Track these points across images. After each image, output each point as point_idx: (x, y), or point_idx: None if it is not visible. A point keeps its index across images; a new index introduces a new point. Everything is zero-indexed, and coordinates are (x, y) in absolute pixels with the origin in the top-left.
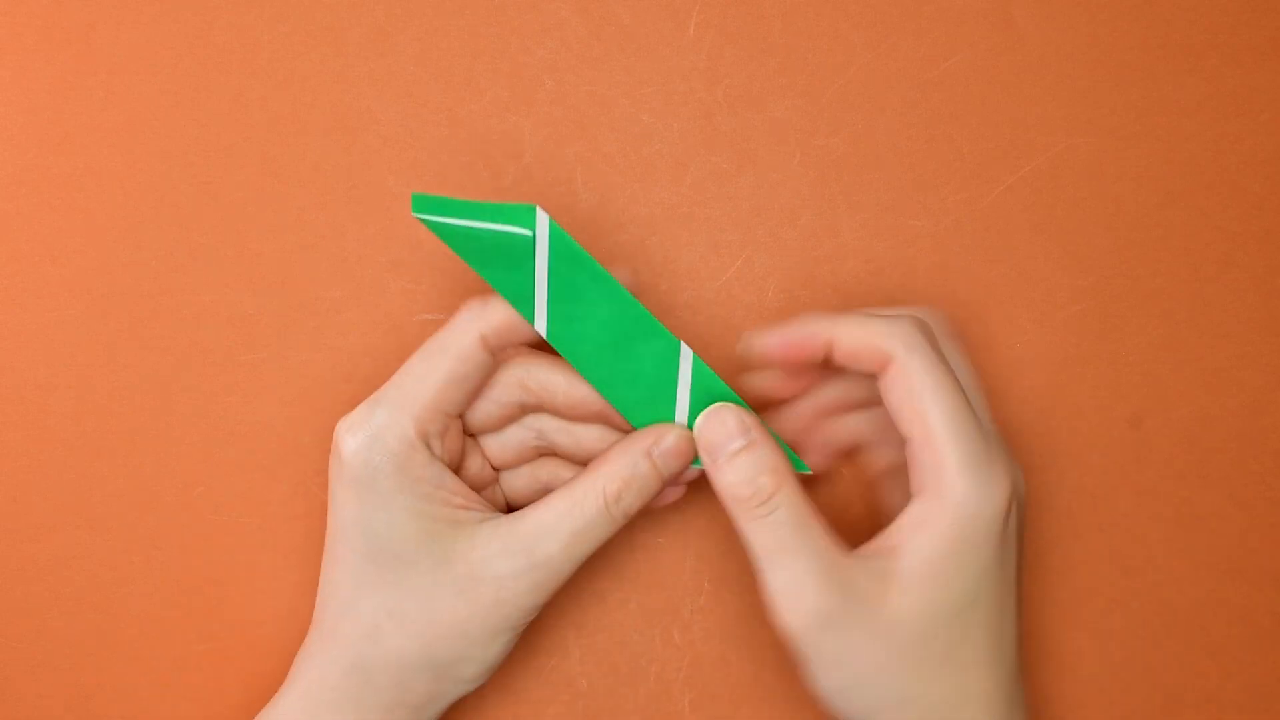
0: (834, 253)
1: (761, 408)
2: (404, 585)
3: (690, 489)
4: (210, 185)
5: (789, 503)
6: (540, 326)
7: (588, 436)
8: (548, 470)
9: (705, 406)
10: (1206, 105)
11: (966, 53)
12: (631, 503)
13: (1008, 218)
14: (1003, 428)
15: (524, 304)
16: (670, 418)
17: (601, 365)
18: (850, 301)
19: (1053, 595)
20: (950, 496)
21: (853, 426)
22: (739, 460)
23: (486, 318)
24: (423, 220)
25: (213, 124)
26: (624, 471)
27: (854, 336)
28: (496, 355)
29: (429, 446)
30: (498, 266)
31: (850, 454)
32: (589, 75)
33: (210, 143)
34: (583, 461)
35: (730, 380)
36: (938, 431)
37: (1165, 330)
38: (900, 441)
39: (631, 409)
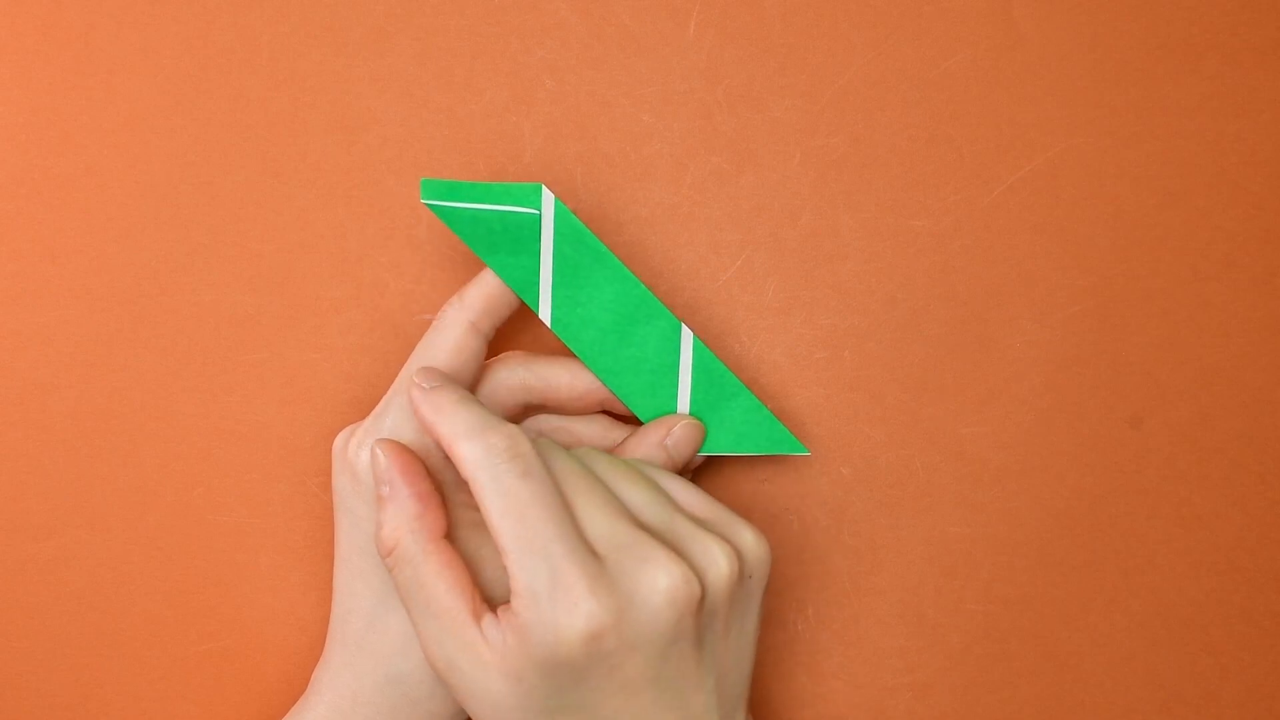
0: (834, 253)
1: (760, 390)
2: None
3: None
4: (210, 185)
5: (408, 562)
6: (545, 314)
7: (588, 433)
8: None
9: (707, 390)
10: (1206, 105)
11: (966, 53)
12: None
13: (1008, 218)
14: (1003, 427)
15: (529, 290)
16: (673, 404)
17: (605, 352)
18: (850, 301)
19: (1053, 595)
20: (519, 614)
21: None
22: (381, 508)
23: (469, 305)
24: (431, 207)
25: (213, 124)
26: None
27: (448, 444)
28: (488, 337)
29: (441, 448)
30: (504, 251)
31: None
32: (589, 75)
33: (210, 143)
34: None
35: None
36: (504, 552)
37: (1165, 330)
38: None
39: (635, 397)
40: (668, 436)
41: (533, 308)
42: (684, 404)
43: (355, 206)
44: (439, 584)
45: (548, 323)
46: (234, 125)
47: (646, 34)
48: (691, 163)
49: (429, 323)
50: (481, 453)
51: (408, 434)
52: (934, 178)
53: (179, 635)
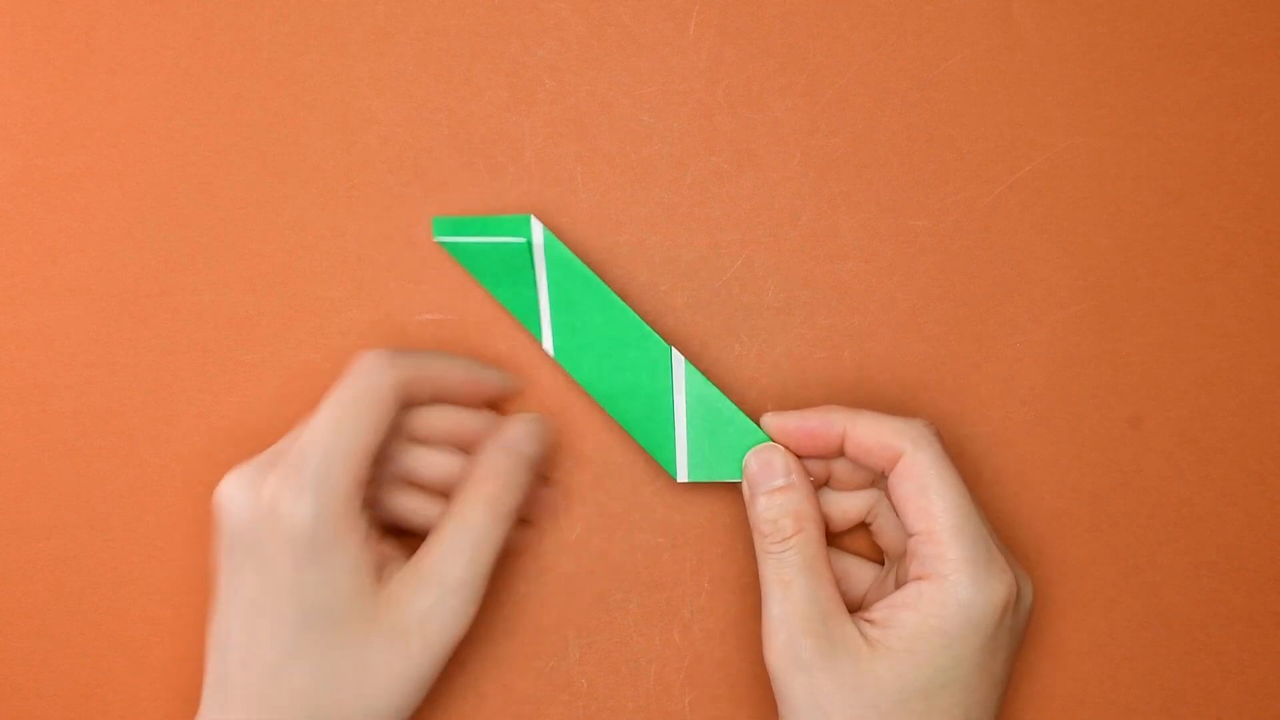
0: (834, 253)
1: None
2: (338, 648)
3: (689, 492)
4: (210, 185)
5: (803, 547)
6: (547, 343)
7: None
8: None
9: (703, 416)
10: (1206, 105)
11: (966, 53)
12: (511, 500)
13: (1008, 218)
14: (1003, 427)
15: (531, 319)
16: (671, 431)
17: (603, 378)
18: (850, 301)
19: (1053, 595)
20: (946, 587)
21: (858, 504)
22: (772, 498)
23: (397, 365)
24: (443, 244)
25: (213, 124)
26: (493, 471)
27: (868, 432)
28: (404, 403)
29: (360, 497)
30: (505, 283)
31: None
32: (589, 75)
33: (210, 143)
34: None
35: (725, 387)
36: (942, 527)
37: (1165, 330)
38: (900, 531)
39: (634, 424)
40: (508, 439)
41: (536, 336)
42: (680, 430)
43: (355, 206)
44: (825, 573)
45: (550, 352)
46: (234, 125)
47: (646, 34)
48: (691, 163)
49: (429, 323)
50: (924, 427)
51: (340, 483)
52: (934, 178)
53: (179, 635)
